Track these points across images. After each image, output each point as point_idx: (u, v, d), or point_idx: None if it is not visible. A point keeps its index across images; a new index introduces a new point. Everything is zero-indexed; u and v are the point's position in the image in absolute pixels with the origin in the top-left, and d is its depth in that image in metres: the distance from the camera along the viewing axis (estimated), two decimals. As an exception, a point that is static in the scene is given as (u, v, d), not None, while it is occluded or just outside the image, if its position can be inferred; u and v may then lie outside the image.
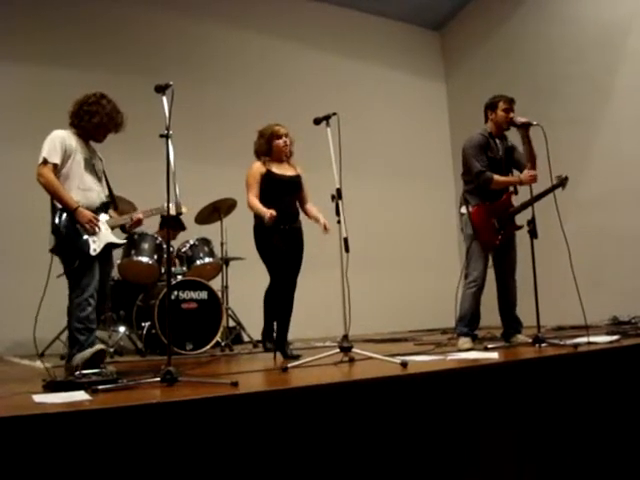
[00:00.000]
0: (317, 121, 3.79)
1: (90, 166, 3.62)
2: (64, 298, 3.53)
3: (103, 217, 3.63)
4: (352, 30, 8.06)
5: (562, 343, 3.82)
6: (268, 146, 4.16)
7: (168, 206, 3.04)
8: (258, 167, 4.15)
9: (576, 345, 3.66)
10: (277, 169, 4.16)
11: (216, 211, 5.45)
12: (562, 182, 4.13)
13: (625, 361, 3.63)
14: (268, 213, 3.86)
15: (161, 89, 3.01)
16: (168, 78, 3.05)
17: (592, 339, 3.84)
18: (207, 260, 5.46)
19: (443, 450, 2.71)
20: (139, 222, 3.85)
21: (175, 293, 4.92)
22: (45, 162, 3.46)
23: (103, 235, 3.58)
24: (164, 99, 3.00)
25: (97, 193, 3.65)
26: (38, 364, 3.72)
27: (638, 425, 3.43)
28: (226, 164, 6.63)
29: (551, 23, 7.31)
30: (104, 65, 6.29)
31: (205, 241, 5.52)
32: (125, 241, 3.85)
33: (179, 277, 5.14)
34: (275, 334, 4.08)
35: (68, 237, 3.45)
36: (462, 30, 8.60)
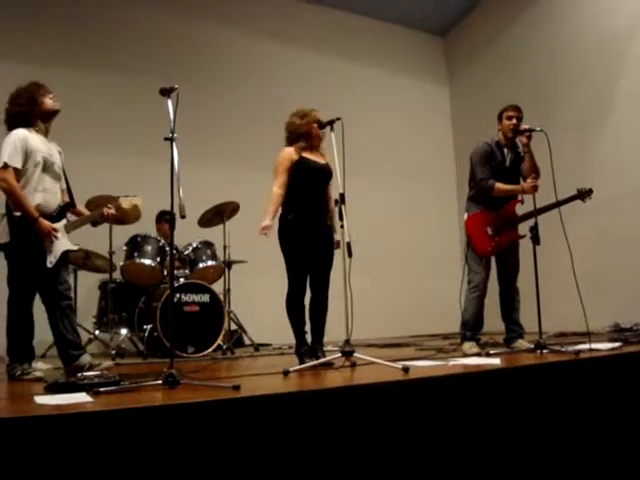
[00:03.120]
0: (321, 126, 3.79)
1: (49, 165, 3.53)
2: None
3: (61, 224, 3.54)
4: (358, 35, 8.08)
5: (564, 350, 3.82)
6: (308, 129, 3.86)
7: (172, 208, 3.03)
8: (290, 153, 3.85)
9: (578, 352, 3.66)
10: (311, 155, 3.90)
11: (219, 214, 5.44)
12: (582, 194, 4.16)
13: (627, 368, 3.62)
14: (262, 228, 3.71)
15: (166, 92, 3.00)
16: (173, 81, 3.04)
17: (594, 346, 3.84)
18: (210, 263, 5.45)
19: (444, 455, 2.71)
20: (109, 216, 3.78)
21: (177, 296, 4.90)
22: (6, 166, 3.35)
23: (59, 244, 3.49)
24: (169, 102, 3.01)
25: (54, 194, 3.56)
26: (40, 365, 3.73)
27: (639, 432, 3.43)
28: (230, 167, 6.65)
29: (554, 29, 7.32)
30: (108, 68, 6.31)
31: (208, 244, 5.52)
32: (77, 247, 3.71)
33: (181, 280, 5.13)
34: (311, 339, 3.84)
35: (26, 250, 3.39)
36: (466, 36, 8.62)
